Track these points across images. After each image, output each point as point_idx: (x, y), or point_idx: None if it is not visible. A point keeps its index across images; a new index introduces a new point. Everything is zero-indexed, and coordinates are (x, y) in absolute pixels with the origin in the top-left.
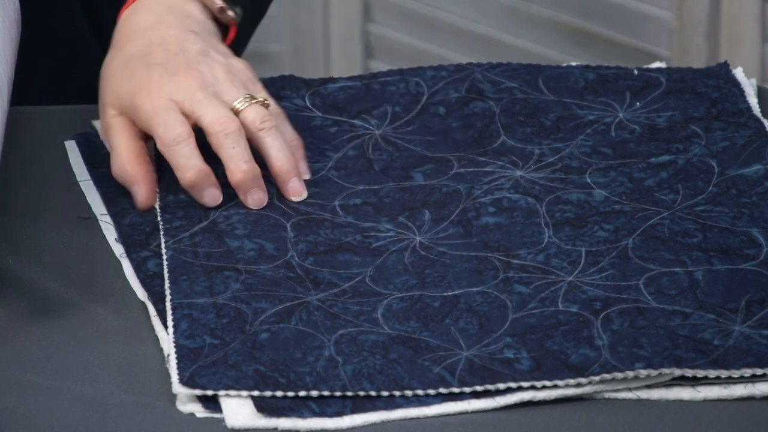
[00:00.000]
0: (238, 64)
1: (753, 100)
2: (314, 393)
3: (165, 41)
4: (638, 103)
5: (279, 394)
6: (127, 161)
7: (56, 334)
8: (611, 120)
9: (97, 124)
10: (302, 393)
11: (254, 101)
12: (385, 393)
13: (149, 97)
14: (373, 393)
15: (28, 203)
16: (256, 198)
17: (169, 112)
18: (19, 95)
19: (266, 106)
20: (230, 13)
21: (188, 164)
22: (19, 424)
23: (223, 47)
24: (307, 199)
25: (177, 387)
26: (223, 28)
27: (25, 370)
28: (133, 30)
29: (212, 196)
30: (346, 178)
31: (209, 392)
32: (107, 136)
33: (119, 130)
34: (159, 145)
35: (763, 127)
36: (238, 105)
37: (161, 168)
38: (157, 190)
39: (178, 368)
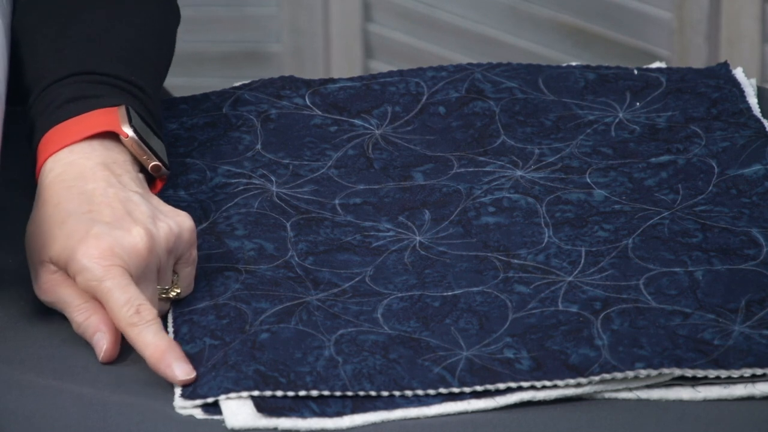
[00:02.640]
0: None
1: (753, 100)
2: (314, 393)
3: (107, 199)
4: (638, 103)
5: (279, 393)
6: (89, 310)
7: (56, 334)
8: (611, 120)
9: None
10: (302, 393)
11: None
12: (385, 393)
13: (91, 259)
14: (373, 393)
15: (28, 203)
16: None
17: (123, 288)
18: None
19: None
20: (164, 170)
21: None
22: (19, 424)
23: (165, 206)
24: (307, 197)
25: (179, 401)
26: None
27: (26, 370)
28: (64, 185)
29: (183, 370)
30: (346, 177)
31: (210, 400)
32: (50, 293)
33: (64, 284)
34: (117, 321)
35: (763, 127)
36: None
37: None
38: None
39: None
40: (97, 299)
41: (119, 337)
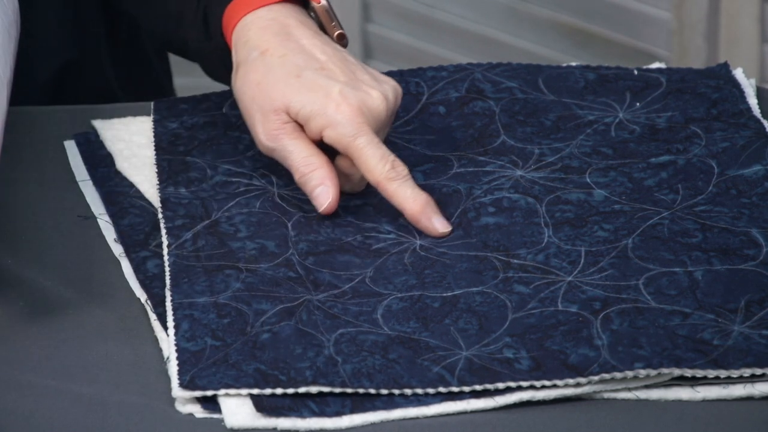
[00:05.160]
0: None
1: (753, 101)
2: (314, 389)
3: (329, 57)
4: (638, 104)
5: (279, 391)
6: (314, 164)
7: (56, 334)
8: (611, 120)
9: (97, 123)
10: (302, 389)
11: None
12: (384, 391)
13: (345, 115)
14: (372, 391)
15: (27, 203)
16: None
17: (377, 144)
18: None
19: None
20: (345, 40)
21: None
22: (18, 424)
23: (372, 70)
24: (308, 197)
25: (177, 391)
26: None
27: (25, 370)
28: (278, 38)
29: (442, 223)
30: None
31: (209, 393)
32: (277, 140)
33: (292, 134)
34: (373, 175)
35: (763, 127)
36: None
37: (161, 168)
38: (157, 184)
39: (179, 372)
40: (345, 154)
41: (339, 195)
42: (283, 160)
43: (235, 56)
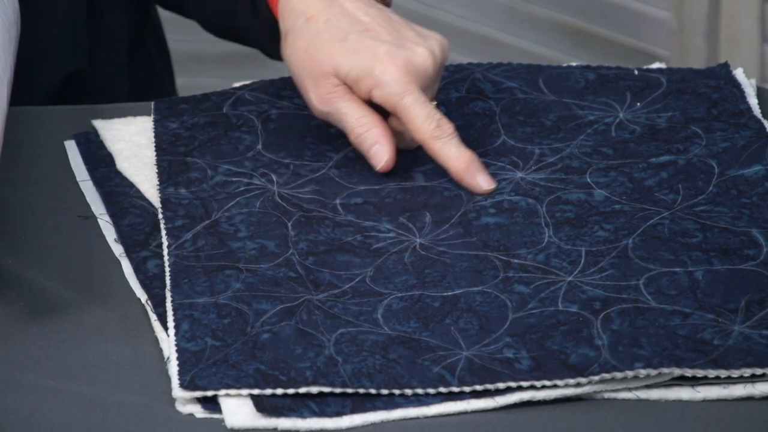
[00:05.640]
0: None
1: (753, 101)
2: (314, 389)
3: (373, 18)
4: (638, 104)
5: (279, 391)
6: (368, 123)
7: (56, 334)
8: (611, 120)
9: (97, 123)
10: (303, 389)
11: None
12: (384, 391)
13: (391, 75)
14: (372, 391)
15: (28, 203)
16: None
17: (423, 103)
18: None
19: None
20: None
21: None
22: (18, 424)
23: (417, 26)
24: (308, 197)
25: (177, 391)
26: None
27: (25, 370)
28: (321, 3)
29: (486, 180)
30: (347, 177)
31: (210, 393)
32: (330, 104)
33: (345, 97)
34: (419, 134)
35: (764, 127)
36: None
37: (161, 169)
38: (157, 185)
39: (179, 372)
40: (393, 114)
41: (395, 152)
42: (337, 122)
43: (282, 25)
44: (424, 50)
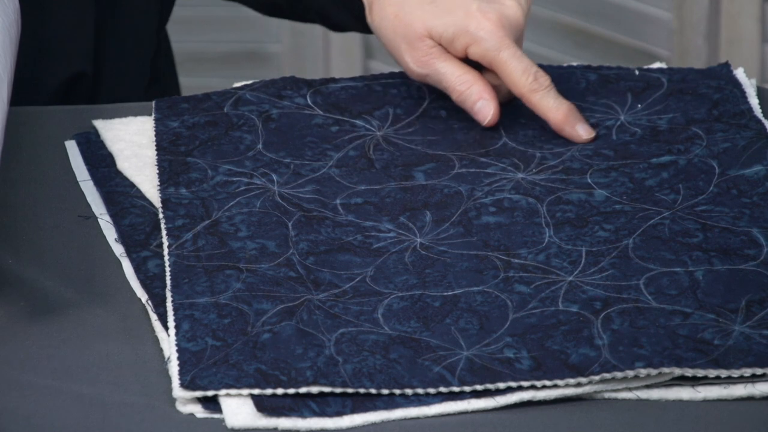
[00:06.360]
0: None
1: (754, 101)
2: (314, 389)
3: None
4: (639, 105)
5: (280, 391)
6: (469, 80)
7: (56, 333)
8: (613, 123)
9: (97, 123)
10: (303, 389)
11: None
12: (385, 391)
13: (487, 30)
14: (373, 390)
15: (28, 203)
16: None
17: (520, 57)
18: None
19: None
20: None
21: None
22: (19, 424)
23: None
24: (308, 197)
25: (178, 391)
26: None
27: (25, 370)
28: None
29: (586, 129)
30: (347, 177)
31: (210, 393)
32: (428, 65)
33: (441, 57)
34: (517, 88)
35: (764, 128)
36: None
37: (162, 169)
38: (158, 185)
39: (180, 372)
40: (489, 69)
41: (499, 106)
42: (437, 83)
43: None
44: (513, 3)
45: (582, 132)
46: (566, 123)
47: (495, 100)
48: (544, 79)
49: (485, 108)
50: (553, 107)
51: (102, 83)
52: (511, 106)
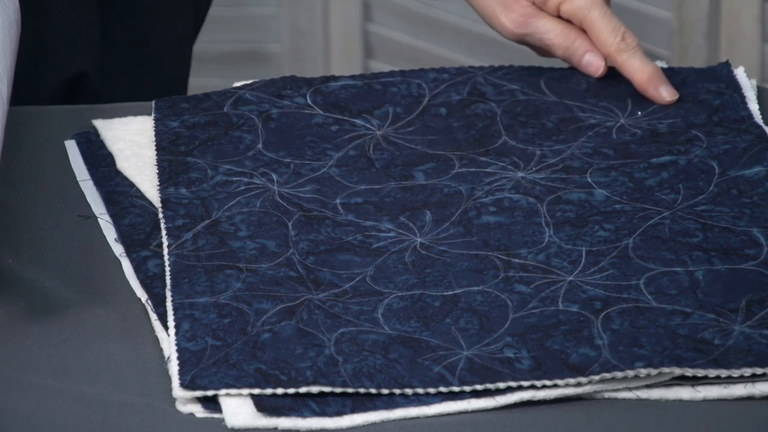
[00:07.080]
0: None
1: (754, 106)
2: (314, 389)
3: None
4: (640, 113)
5: (280, 391)
6: (572, 35)
7: (56, 333)
8: (612, 124)
9: (97, 123)
10: (303, 389)
11: None
12: (385, 391)
13: None
14: (373, 390)
15: (28, 203)
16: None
17: (609, 16)
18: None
19: None
20: None
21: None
22: (19, 424)
23: None
24: (308, 196)
25: (177, 391)
26: None
27: (25, 370)
28: None
29: (670, 92)
30: (347, 176)
31: (210, 393)
32: (527, 25)
33: (539, 15)
34: (605, 47)
35: (764, 133)
36: None
37: (161, 169)
38: (158, 185)
39: (180, 372)
40: (579, 27)
41: (603, 56)
42: (538, 41)
43: None
44: None
45: (665, 94)
46: (650, 84)
47: (599, 52)
48: (632, 40)
49: (595, 60)
50: (638, 68)
51: (102, 83)
52: (511, 104)
